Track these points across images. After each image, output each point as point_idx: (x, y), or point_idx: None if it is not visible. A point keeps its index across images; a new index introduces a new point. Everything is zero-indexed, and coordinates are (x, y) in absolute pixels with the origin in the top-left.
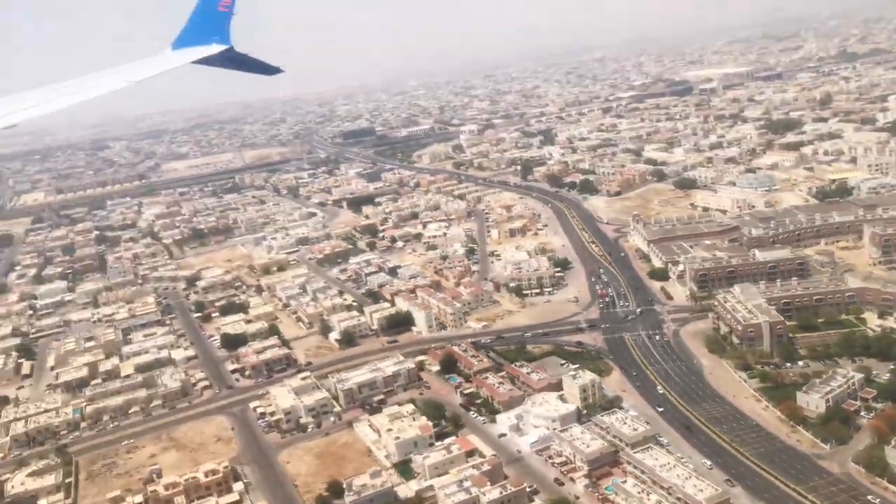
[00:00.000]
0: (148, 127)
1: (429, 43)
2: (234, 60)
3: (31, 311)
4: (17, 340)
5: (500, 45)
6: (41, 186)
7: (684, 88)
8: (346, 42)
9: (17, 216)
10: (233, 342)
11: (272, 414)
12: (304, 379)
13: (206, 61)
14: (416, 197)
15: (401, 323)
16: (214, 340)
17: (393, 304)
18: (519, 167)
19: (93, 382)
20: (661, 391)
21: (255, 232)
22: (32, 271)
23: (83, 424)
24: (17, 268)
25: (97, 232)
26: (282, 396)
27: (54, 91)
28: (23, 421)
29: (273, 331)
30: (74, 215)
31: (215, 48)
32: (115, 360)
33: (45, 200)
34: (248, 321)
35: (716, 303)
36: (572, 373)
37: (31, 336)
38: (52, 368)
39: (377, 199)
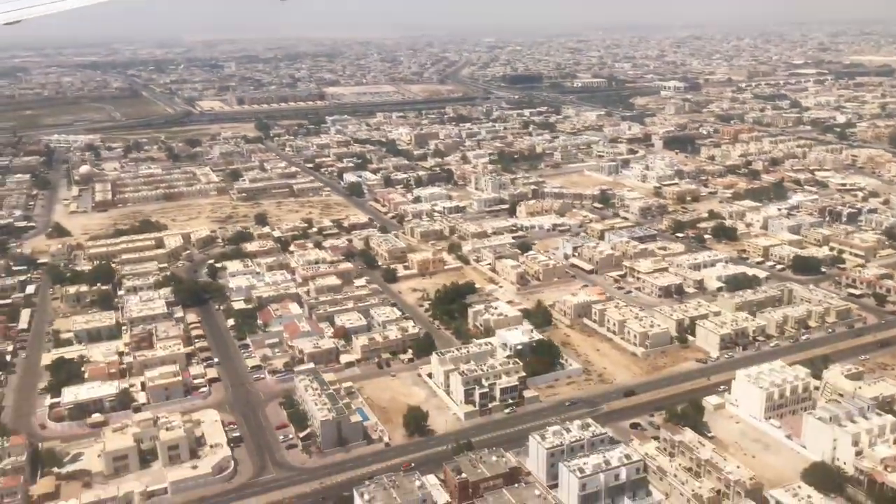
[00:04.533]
0: (236, 51)
1: None
2: None
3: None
4: None
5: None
6: (207, 96)
7: (881, 69)
8: None
9: (222, 121)
10: None
11: None
12: None
13: None
14: (746, 144)
15: None
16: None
17: None
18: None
19: None
20: None
21: (574, 161)
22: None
23: None
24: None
25: (356, 143)
26: None
27: None
28: None
29: None
30: (302, 126)
31: None
32: None
33: (229, 109)
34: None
35: None
36: None
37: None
38: None
39: (697, 141)
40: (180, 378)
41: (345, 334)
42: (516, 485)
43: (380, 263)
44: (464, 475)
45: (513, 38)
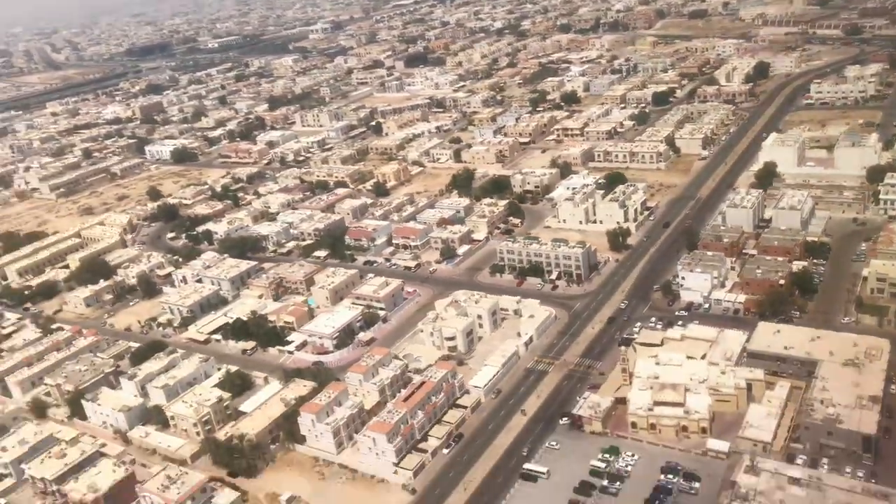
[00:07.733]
0: None
1: None
2: None
3: None
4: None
5: None
6: None
7: None
8: None
9: None
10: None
11: None
12: None
13: None
14: (471, 48)
15: None
16: None
17: None
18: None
19: None
20: None
21: (343, 92)
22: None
23: None
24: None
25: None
26: None
27: None
28: None
29: None
30: None
31: None
32: None
33: None
34: None
35: None
36: None
37: None
38: None
39: (429, 56)
40: (398, 284)
41: (448, 221)
42: None
43: (356, 187)
44: (726, 239)
45: (44, 28)
